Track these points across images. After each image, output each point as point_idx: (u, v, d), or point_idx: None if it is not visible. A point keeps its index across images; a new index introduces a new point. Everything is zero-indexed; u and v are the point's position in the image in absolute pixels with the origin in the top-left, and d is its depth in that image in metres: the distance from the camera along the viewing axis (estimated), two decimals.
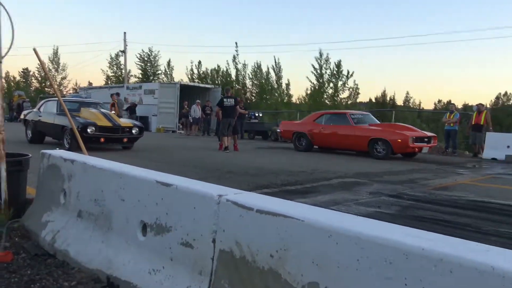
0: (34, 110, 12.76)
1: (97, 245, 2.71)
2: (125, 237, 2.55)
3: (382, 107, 42.21)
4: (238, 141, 12.81)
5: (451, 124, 13.78)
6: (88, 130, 9.70)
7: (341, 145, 12.27)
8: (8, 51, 3.70)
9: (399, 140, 10.75)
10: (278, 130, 14.37)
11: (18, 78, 48.46)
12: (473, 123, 13.63)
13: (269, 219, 1.77)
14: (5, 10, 3.53)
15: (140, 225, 2.45)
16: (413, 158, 11.65)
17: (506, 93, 54.41)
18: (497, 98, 54.86)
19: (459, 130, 15.24)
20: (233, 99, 11.98)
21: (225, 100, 11.93)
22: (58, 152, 3.57)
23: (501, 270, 1.14)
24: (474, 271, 1.18)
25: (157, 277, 2.23)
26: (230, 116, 11.78)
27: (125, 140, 10.69)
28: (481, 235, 3.80)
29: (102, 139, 10.11)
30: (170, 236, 2.25)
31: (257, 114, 23.07)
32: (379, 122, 13.14)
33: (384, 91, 49.73)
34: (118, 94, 18.58)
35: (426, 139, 11.29)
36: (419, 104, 58.07)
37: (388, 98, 48.89)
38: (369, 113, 13.82)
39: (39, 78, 45.88)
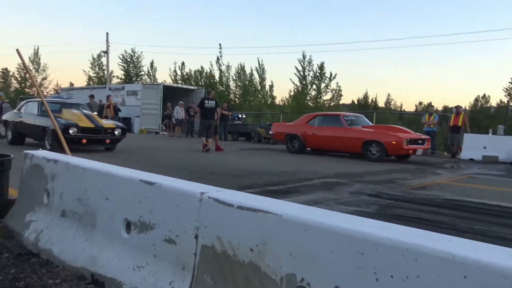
0: (14, 111, 12.60)
1: (81, 243, 2.75)
2: (109, 235, 2.60)
3: (364, 108, 42.75)
4: (221, 142, 12.86)
5: (431, 126, 14.09)
6: (70, 131, 9.64)
7: (334, 147, 12.26)
8: None
9: (393, 142, 10.78)
10: (270, 132, 14.33)
11: None
12: (451, 124, 13.98)
13: (249, 215, 1.85)
14: None
15: (124, 223, 2.51)
16: (406, 160, 11.71)
17: (484, 95, 55.72)
18: (476, 100, 56.11)
19: (438, 131, 15.59)
20: (214, 101, 12.01)
21: (205, 101, 11.98)
22: (41, 153, 3.59)
23: (460, 257, 1.24)
24: (436, 259, 1.28)
25: (141, 273, 2.29)
26: (210, 118, 11.84)
27: (107, 141, 10.65)
28: (456, 232, 3.95)
29: (84, 140, 10.06)
30: (153, 233, 2.31)
31: (240, 116, 23.18)
32: (372, 124, 13.16)
33: (366, 93, 50.26)
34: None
35: (420, 141, 11.42)
36: (401, 106, 59.02)
37: (370, 100, 49.56)
38: (362, 115, 13.86)
39: (19, 79, 45.14)
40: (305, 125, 12.83)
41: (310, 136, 12.49)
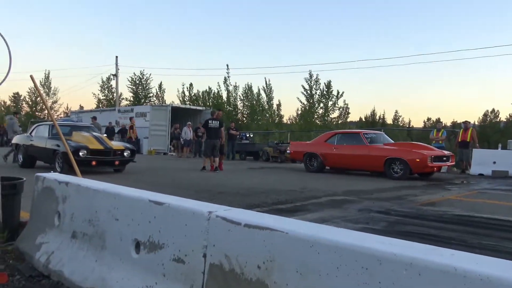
0: (26, 134, 12.80)
1: (91, 264, 2.79)
2: (119, 255, 2.64)
3: (372, 126, 42.69)
4: (229, 161, 12.92)
5: (439, 142, 14.04)
6: (80, 154, 9.75)
7: (355, 165, 11.92)
8: (5, 79, 3.83)
9: (418, 160, 10.46)
10: (287, 151, 14.02)
11: (8, 102, 48.46)
12: (459, 140, 13.91)
13: (256, 232, 1.89)
14: (5, 41, 3.67)
15: (134, 243, 2.55)
16: (429, 177, 11.38)
17: (493, 110, 55.35)
18: (485, 115, 55.74)
19: (447, 147, 15.52)
20: (218, 121, 12.15)
21: (210, 121, 12.14)
22: (52, 175, 3.66)
23: (462, 270, 1.27)
24: (439, 273, 1.31)
25: None
26: (214, 138, 11.96)
27: (116, 163, 10.75)
28: (465, 248, 3.92)
29: (93, 162, 10.16)
30: (162, 252, 2.34)
31: (248, 135, 23.24)
32: (393, 141, 12.80)
33: (374, 110, 50.24)
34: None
35: (444, 158, 11.11)
36: (409, 123, 58.79)
37: (377, 117, 49.50)
38: (383, 132, 13.57)
39: (30, 103, 45.92)
40: (323, 144, 12.57)
41: (330, 155, 12.21)
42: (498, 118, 53.70)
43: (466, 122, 14.18)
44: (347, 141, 12.09)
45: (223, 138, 13.03)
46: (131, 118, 20.35)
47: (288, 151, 13.95)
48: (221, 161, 12.70)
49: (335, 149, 12.12)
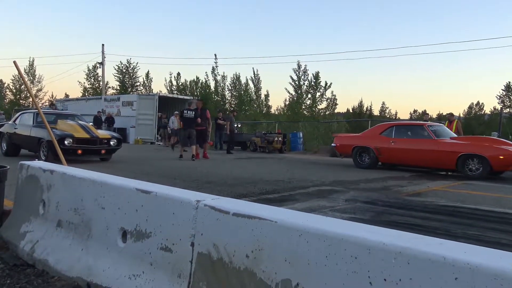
0: (9, 122, 12.58)
1: (76, 253, 2.75)
2: (105, 244, 2.61)
3: (359, 117, 42.97)
4: (216, 151, 12.97)
5: None
6: (66, 142, 9.62)
7: (419, 162, 10.62)
8: None
9: (501, 157, 9.12)
10: (332, 145, 12.74)
11: None
12: None
13: (245, 221, 1.88)
14: None
15: (120, 232, 2.52)
16: (498, 176, 10.12)
17: (478, 103, 56.09)
18: (470, 107, 56.47)
19: None
20: (193, 112, 12.45)
21: (185, 112, 12.61)
22: (37, 163, 3.60)
23: (451, 260, 1.27)
24: (428, 262, 1.31)
25: (137, 282, 2.29)
26: (189, 127, 12.38)
27: (103, 151, 10.63)
28: (450, 237, 3.95)
29: (79, 151, 10.04)
30: (150, 241, 2.32)
31: (236, 125, 23.18)
32: (456, 135, 11.51)
33: (361, 101, 50.56)
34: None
35: None
36: (395, 114, 59.30)
37: (365, 109, 49.82)
38: (442, 125, 12.45)
39: (14, 90, 45.10)
40: (378, 137, 11.29)
41: (386, 149, 10.93)
42: (483, 111, 54.48)
43: (450, 114, 14.34)
44: (408, 135, 10.90)
45: (208, 127, 13.38)
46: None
47: (333, 144, 12.56)
48: (205, 150, 13.08)
49: (393, 143, 10.81)
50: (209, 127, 13.70)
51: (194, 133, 12.37)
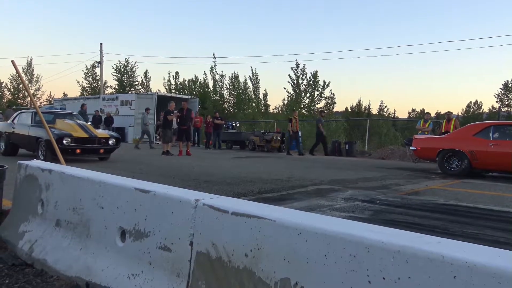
0: (8, 122, 12.55)
1: (75, 252, 2.75)
2: (104, 243, 2.61)
3: (358, 116, 42.98)
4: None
5: (426, 132, 14.18)
6: (64, 142, 9.61)
7: None
8: None
9: None
10: (412, 148, 11.25)
11: None
12: (442, 130, 14.06)
13: (244, 220, 1.88)
14: None
15: (119, 231, 2.52)
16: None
17: (476, 101, 56.15)
18: (468, 106, 56.51)
19: None
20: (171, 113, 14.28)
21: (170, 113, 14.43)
22: (35, 163, 3.59)
23: (450, 258, 1.27)
24: (426, 260, 1.31)
25: (136, 281, 2.29)
26: (170, 127, 14.73)
27: (101, 151, 10.62)
28: (448, 236, 3.97)
29: (78, 150, 10.02)
30: (148, 241, 2.32)
31: (234, 124, 23.18)
32: None
33: (359, 100, 50.50)
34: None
35: None
36: (394, 113, 59.33)
37: (363, 107, 49.80)
38: None
39: (12, 90, 45.01)
40: (471, 139, 9.71)
41: (484, 154, 9.35)
42: (481, 110, 54.53)
43: (448, 113, 14.34)
44: (511, 136, 9.32)
45: (190, 126, 14.84)
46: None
47: (412, 147, 11.13)
48: (188, 148, 14.42)
49: (493, 146, 9.24)
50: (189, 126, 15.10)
51: (170, 132, 14.32)
